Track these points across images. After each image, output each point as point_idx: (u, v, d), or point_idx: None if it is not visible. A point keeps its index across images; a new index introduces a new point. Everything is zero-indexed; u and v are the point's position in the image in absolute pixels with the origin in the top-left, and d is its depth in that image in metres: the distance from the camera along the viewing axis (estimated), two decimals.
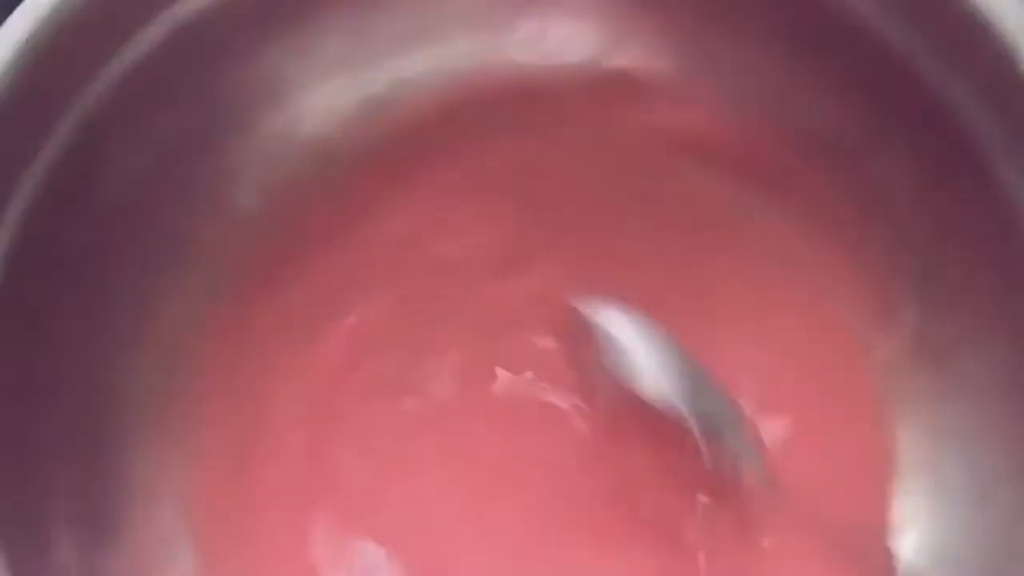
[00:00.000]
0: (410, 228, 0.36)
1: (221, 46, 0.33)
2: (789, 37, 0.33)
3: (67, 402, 0.32)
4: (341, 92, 0.35)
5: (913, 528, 0.33)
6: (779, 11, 0.33)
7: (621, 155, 0.36)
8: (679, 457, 0.31)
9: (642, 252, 0.36)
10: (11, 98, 0.29)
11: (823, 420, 0.35)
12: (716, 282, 0.36)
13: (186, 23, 0.32)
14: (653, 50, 0.36)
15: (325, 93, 0.35)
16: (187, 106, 0.33)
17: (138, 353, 0.34)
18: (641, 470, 0.33)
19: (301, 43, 0.34)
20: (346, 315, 0.36)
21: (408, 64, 0.36)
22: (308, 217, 0.36)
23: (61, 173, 0.31)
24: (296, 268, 0.35)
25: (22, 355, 0.31)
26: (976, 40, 0.29)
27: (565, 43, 0.36)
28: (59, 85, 0.31)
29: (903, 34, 0.31)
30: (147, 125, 0.33)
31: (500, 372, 0.35)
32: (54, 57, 0.30)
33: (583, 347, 0.33)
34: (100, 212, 0.33)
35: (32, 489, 0.31)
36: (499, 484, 0.34)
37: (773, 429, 0.34)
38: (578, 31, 0.36)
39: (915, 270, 0.34)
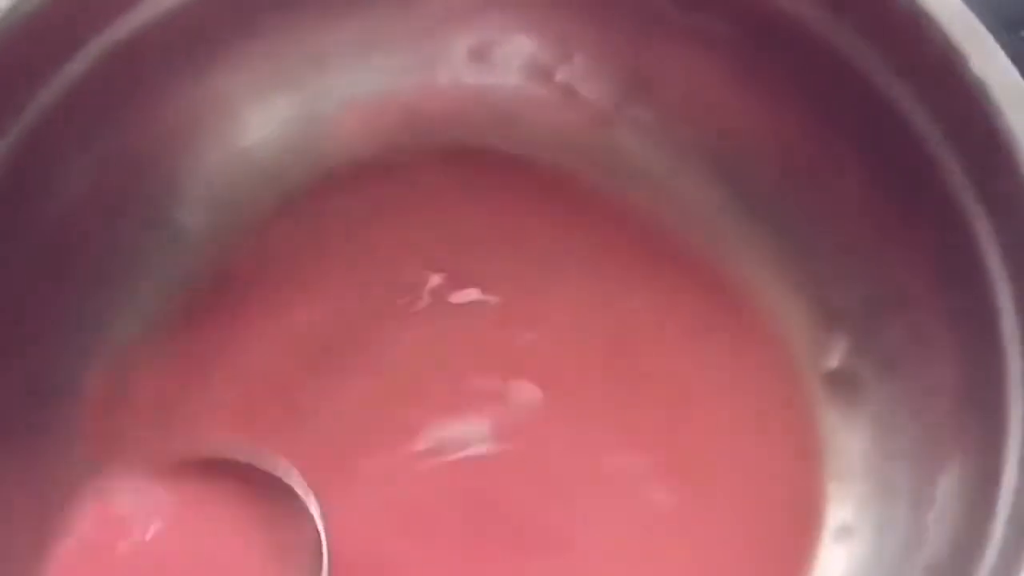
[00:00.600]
0: (359, 243, 0.36)
1: (166, 63, 0.34)
2: (733, 45, 0.34)
3: (9, 411, 0.32)
4: (285, 109, 0.36)
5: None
6: (723, 23, 0.34)
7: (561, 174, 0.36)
8: None
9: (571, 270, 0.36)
10: None
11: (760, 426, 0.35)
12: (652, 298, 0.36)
13: (130, 40, 0.33)
14: (595, 66, 0.36)
15: (269, 110, 0.36)
16: (131, 123, 0.34)
17: (85, 366, 0.34)
18: None
19: (246, 61, 0.35)
20: (292, 325, 0.35)
21: (352, 82, 0.36)
22: (253, 233, 0.36)
23: (3, 190, 0.31)
24: (241, 283, 0.35)
25: None
26: (922, 41, 0.29)
27: (508, 60, 0.36)
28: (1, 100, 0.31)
29: (849, 37, 0.31)
30: (90, 142, 0.33)
31: None
32: None
33: None
34: (44, 229, 0.33)
35: None
36: None
37: (709, 446, 0.34)
38: (521, 48, 0.36)
39: (860, 276, 0.34)
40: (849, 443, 0.34)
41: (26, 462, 0.32)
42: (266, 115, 0.36)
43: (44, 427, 0.33)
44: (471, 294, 0.35)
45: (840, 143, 0.33)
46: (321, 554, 0.31)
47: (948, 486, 0.31)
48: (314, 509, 0.31)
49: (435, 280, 0.36)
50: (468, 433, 0.34)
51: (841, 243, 0.34)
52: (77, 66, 0.32)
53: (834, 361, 0.34)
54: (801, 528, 0.33)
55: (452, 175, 0.36)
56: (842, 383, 0.34)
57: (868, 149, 0.33)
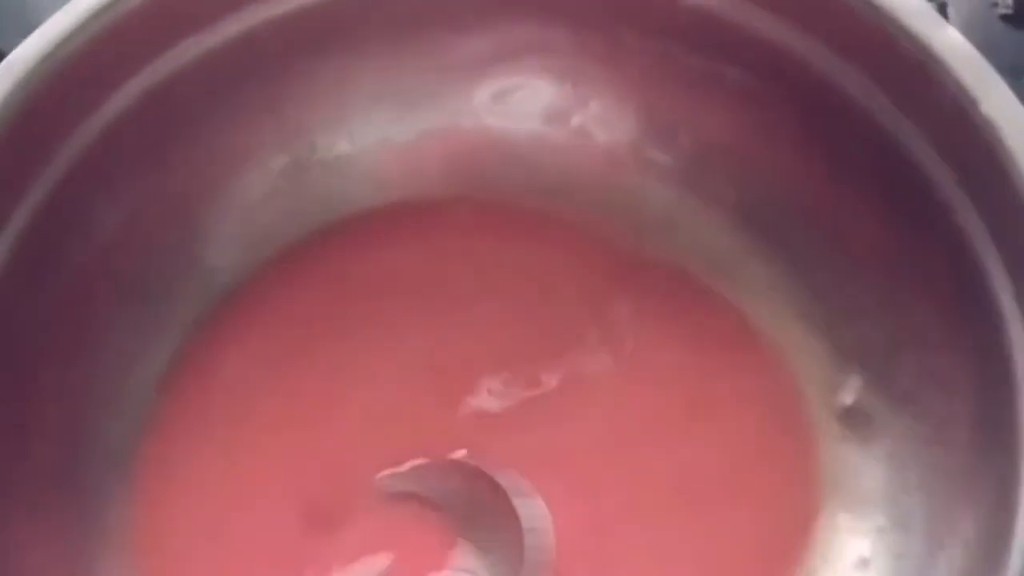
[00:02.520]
0: (382, 282, 0.37)
1: (193, 108, 0.34)
2: (747, 91, 0.35)
3: (45, 451, 0.33)
4: (311, 149, 0.36)
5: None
6: (737, 69, 0.35)
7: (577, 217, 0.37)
8: None
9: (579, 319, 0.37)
10: None
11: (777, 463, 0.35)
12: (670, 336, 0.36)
13: (159, 86, 0.33)
14: (612, 111, 0.37)
15: (296, 150, 0.36)
16: (160, 167, 0.35)
17: (114, 406, 0.34)
18: None
19: (276, 106, 0.35)
20: (317, 369, 0.36)
21: (376, 126, 0.36)
22: (280, 275, 0.36)
23: (36, 232, 0.32)
24: (266, 325, 0.36)
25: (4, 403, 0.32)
26: (932, 84, 0.30)
27: (526, 105, 0.37)
28: (34, 147, 0.31)
29: (861, 82, 0.32)
30: (121, 186, 0.34)
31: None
32: (29, 119, 0.31)
33: None
34: (74, 270, 0.33)
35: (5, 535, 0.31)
36: None
37: (723, 480, 0.35)
38: (538, 93, 0.37)
39: (874, 315, 0.35)
40: (865, 477, 0.34)
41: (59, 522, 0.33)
42: (293, 156, 0.37)
43: (75, 484, 0.33)
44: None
45: (854, 186, 0.34)
46: None
47: (964, 518, 0.31)
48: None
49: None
50: None
51: (856, 283, 0.35)
52: (114, 109, 0.32)
53: (849, 398, 0.35)
54: (818, 564, 0.34)
55: (475, 218, 0.37)
56: (857, 419, 0.35)
57: (881, 191, 0.33)
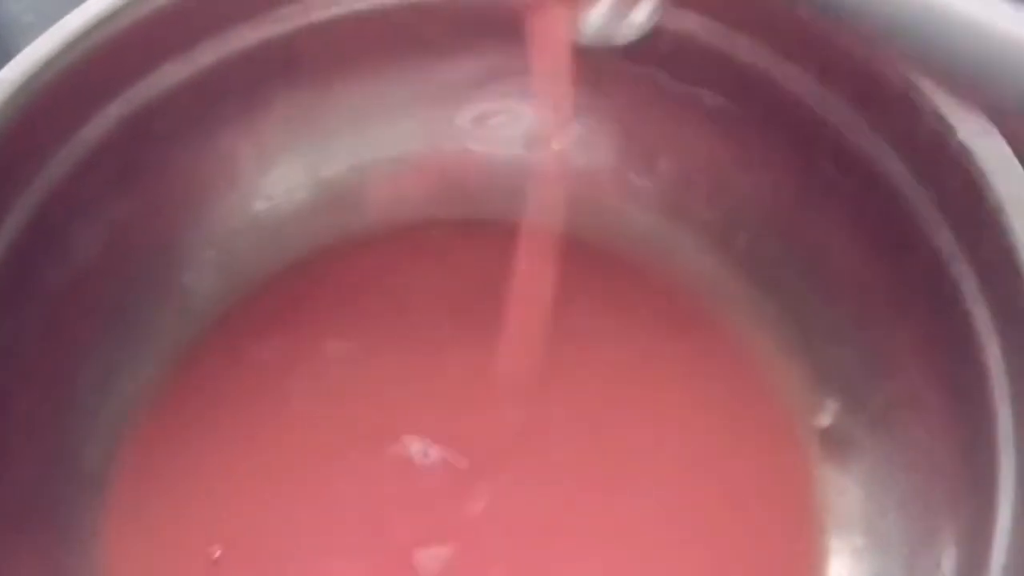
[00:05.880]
0: (363, 304, 0.37)
1: (171, 135, 0.34)
2: (728, 116, 0.35)
3: (21, 472, 0.33)
4: (292, 177, 0.37)
5: None
6: (717, 95, 0.35)
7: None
8: None
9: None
10: None
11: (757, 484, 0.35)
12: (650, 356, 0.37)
13: (137, 113, 0.33)
14: (593, 135, 0.37)
15: (276, 177, 0.37)
16: (140, 190, 0.35)
17: (90, 429, 0.34)
18: None
19: (254, 130, 0.35)
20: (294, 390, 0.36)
21: (356, 149, 0.36)
22: (258, 303, 0.36)
23: (13, 257, 0.32)
24: (249, 345, 0.36)
25: None
26: (911, 111, 0.30)
27: (507, 129, 0.37)
28: (12, 172, 0.31)
29: (840, 109, 0.32)
30: (98, 212, 0.34)
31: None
32: (7, 145, 0.31)
33: None
34: (52, 292, 0.33)
35: None
36: None
37: (705, 498, 0.35)
38: (519, 117, 0.37)
39: (853, 339, 0.35)
40: (845, 497, 0.34)
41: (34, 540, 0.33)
42: (273, 182, 0.37)
43: (51, 503, 0.33)
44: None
45: (834, 211, 0.34)
46: None
47: (942, 538, 0.31)
48: None
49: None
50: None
51: (835, 307, 0.35)
52: (90, 134, 0.32)
53: (827, 419, 0.35)
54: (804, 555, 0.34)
55: (457, 242, 0.37)
56: (835, 440, 0.35)
57: (860, 216, 0.34)
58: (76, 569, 0.33)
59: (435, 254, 0.37)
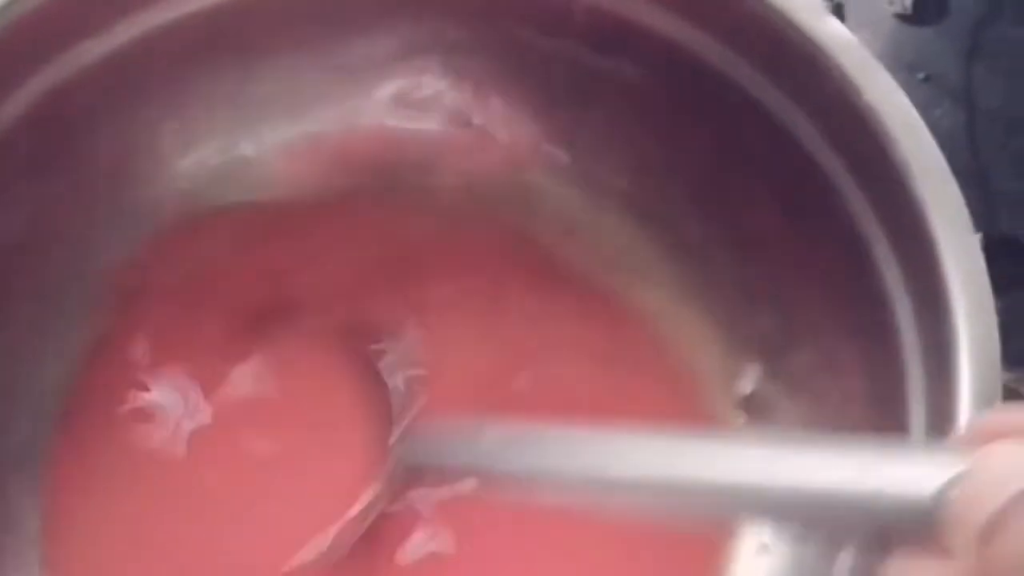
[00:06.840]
0: (276, 285, 0.37)
1: (91, 113, 0.34)
2: (644, 87, 0.35)
3: None
4: (214, 154, 0.37)
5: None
6: (634, 66, 0.35)
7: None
8: None
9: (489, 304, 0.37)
10: None
11: None
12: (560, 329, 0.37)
13: (55, 90, 0.33)
14: (512, 110, 0.37)
15: (198, 155, 0.37)
16: (59, 171, 0.34)
17: (21, 403, 0.34)
18: None
19: (175, 109, 0.36)
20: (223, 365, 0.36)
21: (277, 127, 0.37)
22: (178, 276, 0.36)
23: None
24: (167, 325, 0.36)
25: None
26: (818, 74, 0.31)
27: (428, 105, 0.37)
28: None
29: (751, 74, 0.33)
30: (18, 190, 0.34)
31: None
32: None
33: None
34: None
35: None
36: None
37: None
38: (440, 93, 0.37)
39: (769, 303, 0.35)
40: None
41: None
42: (195, 160, 0.37)
43: None
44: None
45: (749, 177, 0.35)
46: None
47: None
48: None
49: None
50: None
51: (750, 272, 0.35)
52: (8, 112, 0.32)
53: (748, 386, 0.35)
54: (715, 548, 0.34)
55: (373, 215, 0.37)
56: (757, 406, 0.35)
57: (773, 180, 0.34)
58: (7, 538, 0.33)
59: (352, 228, 0.37)
